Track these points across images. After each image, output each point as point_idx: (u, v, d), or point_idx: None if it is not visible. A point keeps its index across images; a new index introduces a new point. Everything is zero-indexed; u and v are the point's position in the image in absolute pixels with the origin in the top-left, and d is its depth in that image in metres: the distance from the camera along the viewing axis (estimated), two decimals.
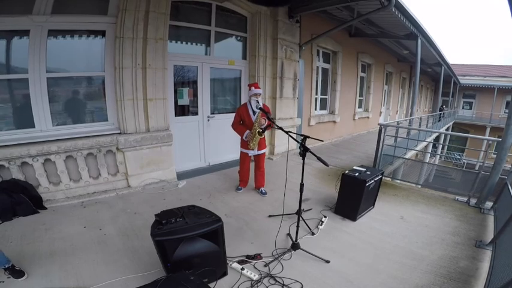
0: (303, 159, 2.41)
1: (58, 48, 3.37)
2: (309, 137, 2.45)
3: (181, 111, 4.59)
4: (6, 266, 2.01)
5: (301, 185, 2.48)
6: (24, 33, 3.10)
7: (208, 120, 4.88)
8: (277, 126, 2.84)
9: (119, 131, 3.79)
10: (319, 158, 2.24)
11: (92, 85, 3.79)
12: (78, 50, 3.55)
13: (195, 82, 4.65)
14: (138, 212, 3.26)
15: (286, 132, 2.64)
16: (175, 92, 4.43)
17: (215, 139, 5.02)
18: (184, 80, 4.62)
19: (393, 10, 5.00)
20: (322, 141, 2.76)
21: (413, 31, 6.42)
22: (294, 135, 2.67)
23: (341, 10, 5.91)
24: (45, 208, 3.22)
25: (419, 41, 6.84)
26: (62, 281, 2.05)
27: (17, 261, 2.15)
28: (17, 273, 2.03)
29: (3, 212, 2.88)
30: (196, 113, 4.76)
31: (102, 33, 3.59)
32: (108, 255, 2.40)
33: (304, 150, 2.36)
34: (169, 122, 4.15)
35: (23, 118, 3.28)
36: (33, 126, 3.31)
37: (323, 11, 6.00)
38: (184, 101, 4.56)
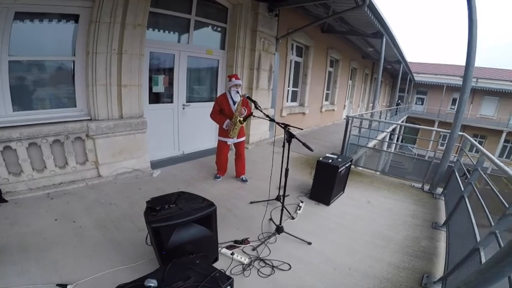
0: (289, 146, 2.55)
1: (25, 30, 3.02)
2: (290, 126, 2.60)
3: (155, 98, 4.41)
4: None
5: (286, 170, 2.63)
6: None
7: (184, 108, 4.77)
8: (266, 115, 2.97)
9: (89, 117, 3.55)
10: (304, 144, 2.40)
11: (59, 70, 3.46)
12: (47, 33, 3.20)
13: (171, 70, 4.49)
14: (113, 203, 3.12)
15: (278, 124, 2.76)
16: (150, 79, 4.24)
17: (190, 128, 4.94)
18: (160, 67, 4.43)
19: (365, 9, 5.27)
20: (302, 129, 2.92)
21: (380, 30, 6.83)
22: (270, 123, 2.80)
23: (317, 7, 6.07)
24: (6, 201, 2.93)
25: (384, 39, 7.31)
26: (42, 277, 1.92)
27: None
28: None
29: None
30: (171, 101, 4.62)
31: (75, 17, 3.29)
32: (89, 248, 2.29)
33: (290, 137, 2.50)
34: (143, 109, 3.99)
35: None
36: None
37: (300, 7, 6.12)
38: (159, 88, 4.38)
